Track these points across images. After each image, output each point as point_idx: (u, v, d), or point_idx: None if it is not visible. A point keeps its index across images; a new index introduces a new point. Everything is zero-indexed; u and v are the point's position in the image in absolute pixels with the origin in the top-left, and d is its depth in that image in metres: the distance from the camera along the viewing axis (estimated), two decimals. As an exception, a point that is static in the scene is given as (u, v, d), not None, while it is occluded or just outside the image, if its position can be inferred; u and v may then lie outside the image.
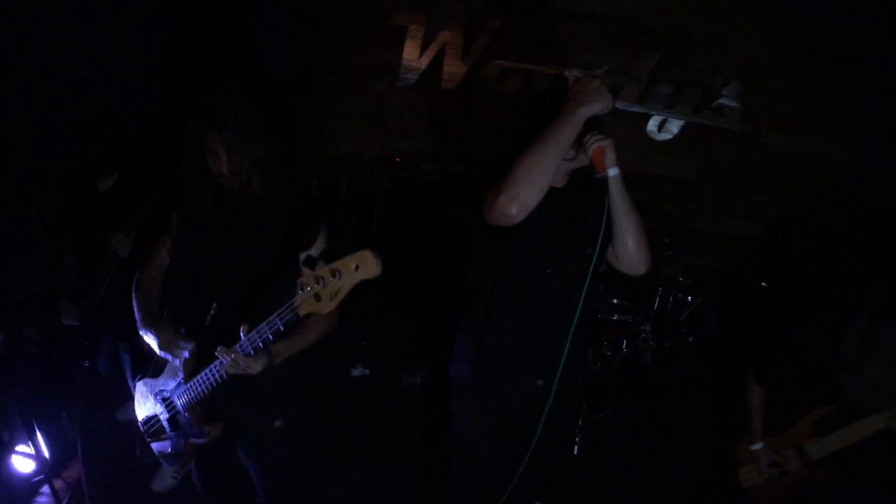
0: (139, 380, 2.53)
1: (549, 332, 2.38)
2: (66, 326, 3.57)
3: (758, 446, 2.95)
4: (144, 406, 2.54)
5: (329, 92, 6.14)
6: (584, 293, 2.26)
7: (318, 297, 1.84)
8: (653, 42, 5.50)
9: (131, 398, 3.88)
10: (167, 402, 2.40)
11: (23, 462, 3.55)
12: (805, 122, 5.58)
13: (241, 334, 2.01)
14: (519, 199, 2.03)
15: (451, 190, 2.91)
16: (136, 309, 2.39)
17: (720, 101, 5.48)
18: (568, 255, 2.36)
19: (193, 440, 2.40)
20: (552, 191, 2.11)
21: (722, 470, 3.22)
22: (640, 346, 4.30)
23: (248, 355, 2.03)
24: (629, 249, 2.28)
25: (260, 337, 1.98)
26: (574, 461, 4.01)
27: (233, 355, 2.02)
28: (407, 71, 5.75)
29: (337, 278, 1.80)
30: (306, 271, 2.01)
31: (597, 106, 2.01)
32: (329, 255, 2.06)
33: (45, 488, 3.46)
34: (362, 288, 1.84)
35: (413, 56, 5.70)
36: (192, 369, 2.27)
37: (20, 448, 3.55)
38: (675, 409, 4.57)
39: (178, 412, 2.37)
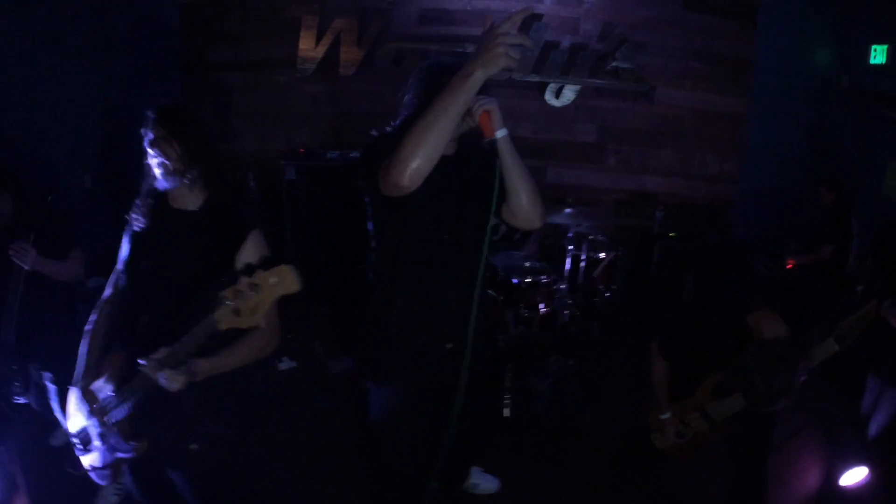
0: (73, 385, 2.41)
1: (452, 297, 2.41)
2: None
3: (665, 416, 3.14)
4: (76, 416, 2.40)
5: (228, 89, 6.06)
6: (482, 256, 2.31)
7: (237, 312, 1.82)
8: (545, 11, 5.60)
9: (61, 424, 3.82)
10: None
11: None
12: (698, 77, 5.83)
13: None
14: (410, 169, 1.98)
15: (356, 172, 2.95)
16: (80, 359, 2.35)
17: (614, 63, 5.64)
18: (464, 220, 2.38)
19: (120, 455, 2.29)
20: (443, 158, 2.07)
21: (642, 423, 3.39)
22: (557, 304, 4.39)
23: (165, 369, 1.96)
24: (523, 205, 2.32)
25: (183, 349, 1.94)
26: (507, 422, 4.07)
27: (153, 369, 1.96)
28: (304, 61, 5.70)
29: (256, 292, 1.79)
30: (227, 292, 1.87)
31: (496, 68, 1.86)
32: (269, 261, 2.00)
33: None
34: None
35: (309, 46, 5.66)
36: (120, 381, 2.20)
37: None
38: (599, 363, 4.68)
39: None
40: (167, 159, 2.18)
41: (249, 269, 1.85)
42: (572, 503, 3.55)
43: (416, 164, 1.97)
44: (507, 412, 4.09)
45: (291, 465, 3.75)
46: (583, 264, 4.74)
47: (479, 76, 1.87)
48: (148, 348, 2.01)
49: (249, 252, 2.21)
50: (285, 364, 4.79)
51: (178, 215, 2.28)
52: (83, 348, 2.36)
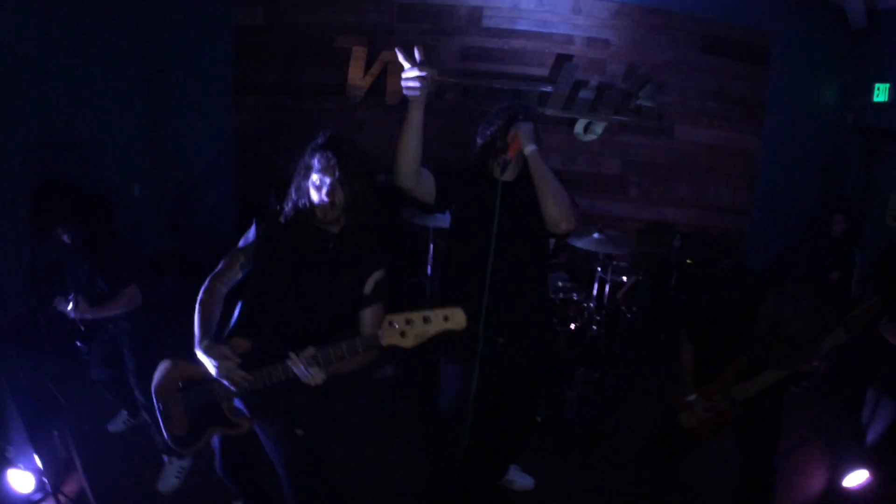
0: (196, 347, 2.49)
1: (499, 296, 2.82)
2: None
3: (692, 397, 3.47)
4: (165, 387, 2.63)
5: (278, 111, 6.52)
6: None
7: (403, 335, 2.25)
8: (575, 53, 6.09)
9: (121, 410, 4.20)
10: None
11: (21, 480, 3.41)
12: (714, 115, 6.29)
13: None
14: (397, 173, 2.82)
15: (398, 197, 3.39)
16: (196, 325, 2.47)
17: (637, 101, 6.11)
18: (511, 232, 2.85)
19: (223, 430, 2.61)
20: (501, 183, 2.73)
21: (666, 418, 3.76)
22: (586, 321, 4.83)
23: (314, 366, 2.32)
24: (548, 210, 2.78)
25: (333, 352, 2.32)
26: (539, 427, 4.47)
27: (302, 364, 2.31)
28: (353, 89, 6.18)
29: (427, 324, 2.23)
30: (396, 317, 2.28)
31: (412, 99, 2.66)
32: (384, 282, 2.51)
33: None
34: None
35: (358, 75, 6.13)
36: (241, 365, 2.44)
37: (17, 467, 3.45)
38: (622, 377, 5.08)
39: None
40: (335, 199, 2.47)
41: (384, 282, 2.31)
42: (599, 499, 3.93)
43: (396, 170, 2.82)
44: (539, 418, 4.50)
45: (348, 465, 4.08)
46: (608, 286, 5.18)
47: (410, 110, 2.70)
48: (275, 343, 2.41)
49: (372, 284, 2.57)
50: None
51: (322, 234, 2.55)
52: (197, 317, 2.49)
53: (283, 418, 2.62)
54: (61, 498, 3.43)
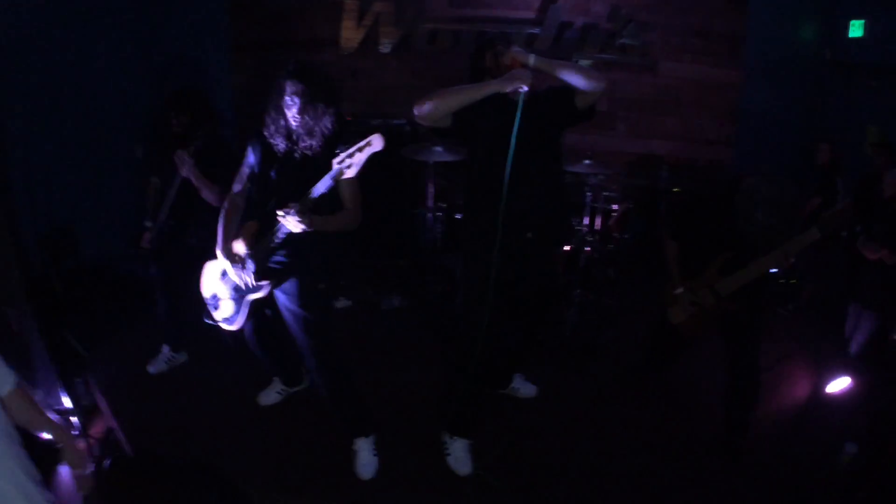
0: (217, 249, 3.25)
1: (518, 203, 3.13)
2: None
3: (679, 290, 3.73)
4: (213, 279, 3.43)
5: (274, 66, 6.68)
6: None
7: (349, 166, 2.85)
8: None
9: (160, 353, 4.47)
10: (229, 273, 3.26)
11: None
12: (697, 51, 6.48)
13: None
14: (424, 110, 3.07)
15: (397, 138, 3.71)
16: (219, 231, 3.24)
17: (622, 40, 6.32)
18: (535, 144, 3.13)
19: (253, 295, 3.23)
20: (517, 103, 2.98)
21: (656, 317, 4.01)
22: (579, 243, 5.10)
23: (298, 215, 2.85)
24: (580, 85, 2.98)
25: (305, 205, 2.88)
26: (540, 344, 4.75)
27: (290, 211, 2.85)
28: (347, 41, 6.39)
29: (357, 151, 2.85)
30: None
31: (506, 89, 2.97)
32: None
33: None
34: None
35: (351, 26, 6.34)
36: (254, 240, 3.20)
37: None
38: (615, 299, 5.38)
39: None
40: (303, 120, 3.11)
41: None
42: (596, 405, 4.21)
43: (429, 110, 3.06)
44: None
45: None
46: (599, 215, 5.44)
47: (494, 88, 3.00)
48: (272, 217, 2.99)
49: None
50: (341, 302, 5.47)
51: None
52: (220, 225, 3.24)
53: (302, 277, 3.27)
54: (90, 440, 3.56)
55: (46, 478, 2.25)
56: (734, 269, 3.46)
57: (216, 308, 3.46)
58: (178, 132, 4.16)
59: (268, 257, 3.22)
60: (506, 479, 3.45)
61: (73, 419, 3.60)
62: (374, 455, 3.51)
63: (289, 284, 3.28)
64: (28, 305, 4.06)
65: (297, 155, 3.16)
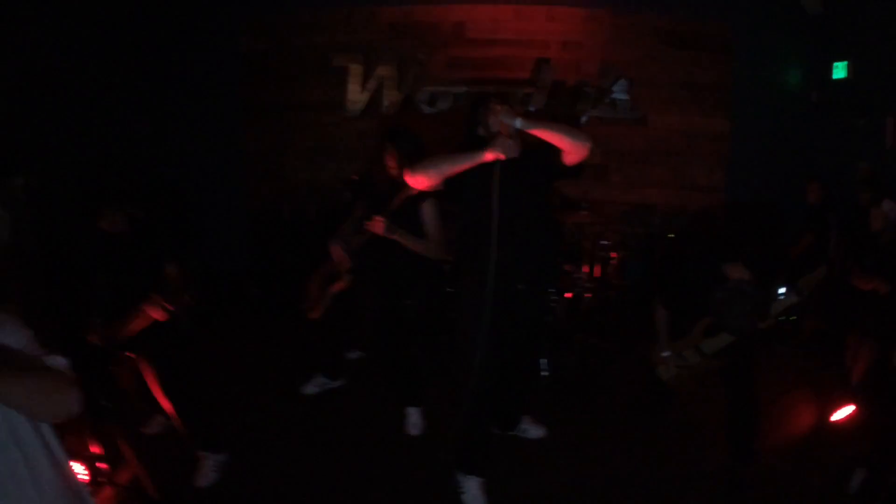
0: None
1: (509, 252, 3.32)
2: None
3: (666, 354, 3.97)
4: None
5: (282, 128, 7.08)
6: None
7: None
8: (551, 56, 6.68)
9: (156, 413, 4.43)
10: None
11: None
12: (685, 103, 6.83)
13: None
14: (422, 182, 3.33)
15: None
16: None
17: (612, 96, 6.67)
18: (521, 200, 3.36)
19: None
20: (507, 161, 3.19)
21: (646, 372, 4.23)
22: (579, 291, 5.34)
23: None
24: (564, 147, 3.19)
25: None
26: (544, 386, 4.92)
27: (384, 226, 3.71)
28: (352, 103, 6.75)
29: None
30: None
31: (495, 156, 3.15)
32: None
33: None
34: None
35: (357, 90, 6.71)
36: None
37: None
38: (615, 342, 5.56)
39: None
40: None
41: None
42: (603, 442, 4.32)
43: (421, 180, 3.32)
44: (545, 372, 4.96)
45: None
46: (598, 262, 5.70)
47: (477, 159, 3.18)
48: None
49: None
50: (354, 354, 5.63)
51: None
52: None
53: (391, 292, 4.19)
54: (117, 488, 3.69)
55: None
56: (717, 332, 3.69)
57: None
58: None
59: None
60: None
61: (101, 465, 3.69)
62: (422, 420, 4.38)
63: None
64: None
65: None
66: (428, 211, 3.95)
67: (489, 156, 3.16)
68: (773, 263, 4.10)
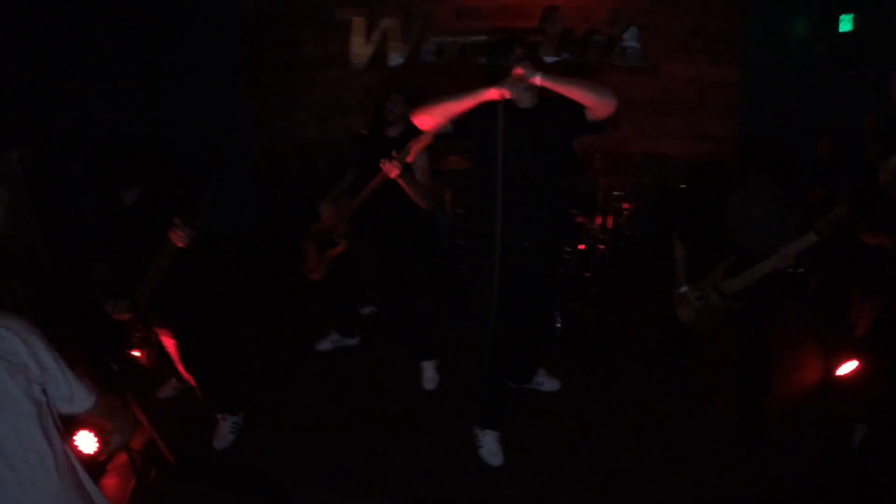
0: None
1: (518, 208, 3.25)
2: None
3: (683, 289, 3.92)
4: None
5: (287, 85, 6.97)
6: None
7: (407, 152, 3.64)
8: (561, 3, 6.51)
9: (170, 377, 4.43)
10: None
11: (86, 441, 3.28)
12: (696, 52, 6.68)
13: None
14: (428, 122, 3.21)
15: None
16: None
17: (623, 44, 6.53)
18: (530, 154, 3.26)
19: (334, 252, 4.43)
20: (521, 110, 3.13)
21: (667, 314, 4.17)
22: (593, 242, 5.30)
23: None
24: (587, 103, 3.08)
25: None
26: (560, 339, 4.91)
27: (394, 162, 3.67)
28: (357, 57, 6.63)
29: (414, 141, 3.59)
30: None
31: (504, 94, 2.98)
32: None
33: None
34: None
35: (360, 43, 6.58)
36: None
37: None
38: (631, 292, 5.55)
39: None
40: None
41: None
42: (617, 396, 4.33)
43: (425, 119, 3.20)
44: (559, 325, 4.94)
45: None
46: (610, 213, 5.63)
47: (481, 96, 3.03)
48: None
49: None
50: (367, 309, 5.62)
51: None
52: None
53: (386, 241, 4.19)
54: (132, 453, 3.65)
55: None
56: (737, 271, 3.65)
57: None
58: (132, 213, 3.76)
59: None
60: (536, 468, 3.61)
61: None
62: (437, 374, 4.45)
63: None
64: (68, 330, 4.18)
65: None
66: (421, 158, 3.91)
67: (494, 92, 2.98)
68: (792, 195, 4.00)
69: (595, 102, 3.07)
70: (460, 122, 3.23)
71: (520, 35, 3.14)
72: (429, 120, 3.20)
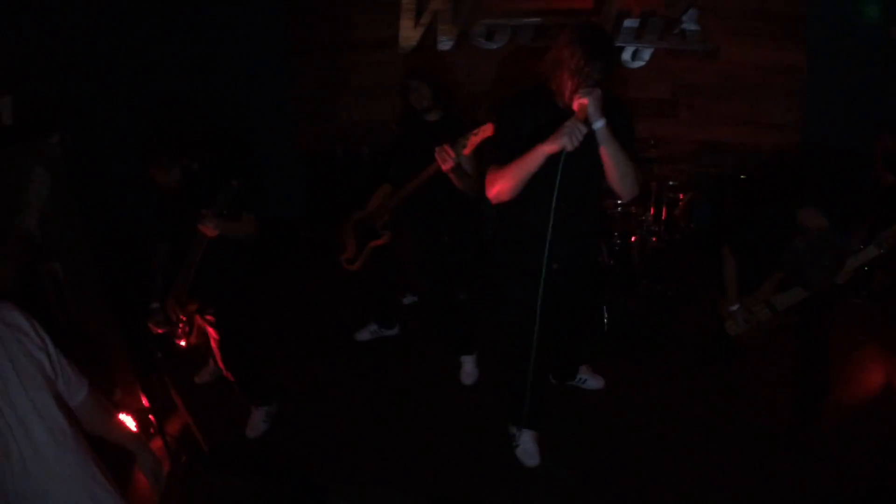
0: None
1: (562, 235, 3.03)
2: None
3: (735, 307, 3.73)
4: None
5: (333, 68, 6.88)
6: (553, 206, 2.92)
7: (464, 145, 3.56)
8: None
9: (208, 362, 4.50)
10: None
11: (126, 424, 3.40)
12: (758, 35, 6.34)
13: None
14: (500, 197, 2.99)
15: (455, 134, 3.83)
16: None
17: (682, 26, 6.24)
18: (581, 188, 3.01)
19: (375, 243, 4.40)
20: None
21: (714, 326, 4.01)
22: (645, 233, 5.08)
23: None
24: (615, 184, 2.90)
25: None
26: (605, 335, 4.77)
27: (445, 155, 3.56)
28: (405, 40, 6.49)
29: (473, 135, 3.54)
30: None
31: (558, 148, 2.67)
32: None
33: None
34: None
35: (409, 25, 6.43)
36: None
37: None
38: (683, 288, 5.33)
39: None
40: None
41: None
42: (663, 396, 4.18)
43: (503, 195, 2.97)
44: (606, 319, 4.78)
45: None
46: (664, 204, 5.41)
47: (545, 150, 2.72)
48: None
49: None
50: (408, 299, 5.55)
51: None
52: None
53: (431, 229, 4.13)
54: (167, 438, 3.70)
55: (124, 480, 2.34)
56: (790, 286, 3.46)
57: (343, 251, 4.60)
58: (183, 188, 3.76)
59: None
60: (574, 469, 3.50)
61: (151, 417, 3.75)
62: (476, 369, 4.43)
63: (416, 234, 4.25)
64: (109, 314, 4.08)
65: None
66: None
67: (554, 147, 2.70)
68: (853, 212, 3.77)
69: (619, 183, 2.89)
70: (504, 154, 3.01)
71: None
72: (507, 192, 2.96)
